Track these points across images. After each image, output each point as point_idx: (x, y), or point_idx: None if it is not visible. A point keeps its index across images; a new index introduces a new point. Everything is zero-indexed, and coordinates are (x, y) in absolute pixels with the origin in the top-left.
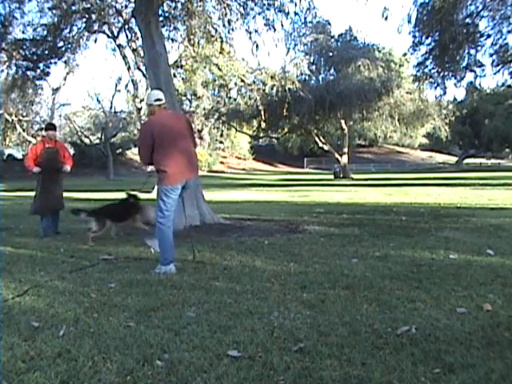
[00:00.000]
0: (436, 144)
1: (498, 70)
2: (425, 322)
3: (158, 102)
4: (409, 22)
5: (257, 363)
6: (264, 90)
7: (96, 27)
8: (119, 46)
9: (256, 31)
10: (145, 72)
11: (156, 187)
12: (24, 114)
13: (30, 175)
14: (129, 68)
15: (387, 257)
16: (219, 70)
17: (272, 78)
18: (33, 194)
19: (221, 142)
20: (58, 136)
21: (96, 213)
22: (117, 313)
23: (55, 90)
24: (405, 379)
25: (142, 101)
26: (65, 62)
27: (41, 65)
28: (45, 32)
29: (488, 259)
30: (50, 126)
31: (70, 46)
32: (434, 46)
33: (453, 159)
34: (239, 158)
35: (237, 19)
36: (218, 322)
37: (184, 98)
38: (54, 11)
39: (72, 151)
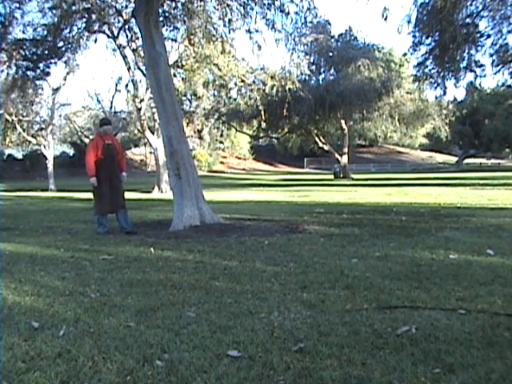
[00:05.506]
0: (436, 144)
1: (498, 70)
2: (425, 322)
3: None
4: (409, 22)
5: (257, 363)
6: (264, 90)
7: (96, 27)
8: (119, 46)
9: (257, 31)
10: (145, 72)
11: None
12: (24, 114)
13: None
14: (129, 68)
15: (387, 257)
16: (219, 70)
17: (272, 78)
18: (33, 194)
19: (221, 142)
20: (58, 136)
21: None
22: (117, 313)
23: (55, 90)
24: (405, 379)
25: (141, 101)
26: (65, 62)
27: (41, 65)
28: (45, 32)
29: (488, 259)
30: (107, 121)
31: (70, 45)
32: (434, 46)
33: (453, 159)
34: (239, 158)
35: (237, 19)
36: (218, 322)
37: (184, 98)
38: (54, 11)
39: (72, 151)
